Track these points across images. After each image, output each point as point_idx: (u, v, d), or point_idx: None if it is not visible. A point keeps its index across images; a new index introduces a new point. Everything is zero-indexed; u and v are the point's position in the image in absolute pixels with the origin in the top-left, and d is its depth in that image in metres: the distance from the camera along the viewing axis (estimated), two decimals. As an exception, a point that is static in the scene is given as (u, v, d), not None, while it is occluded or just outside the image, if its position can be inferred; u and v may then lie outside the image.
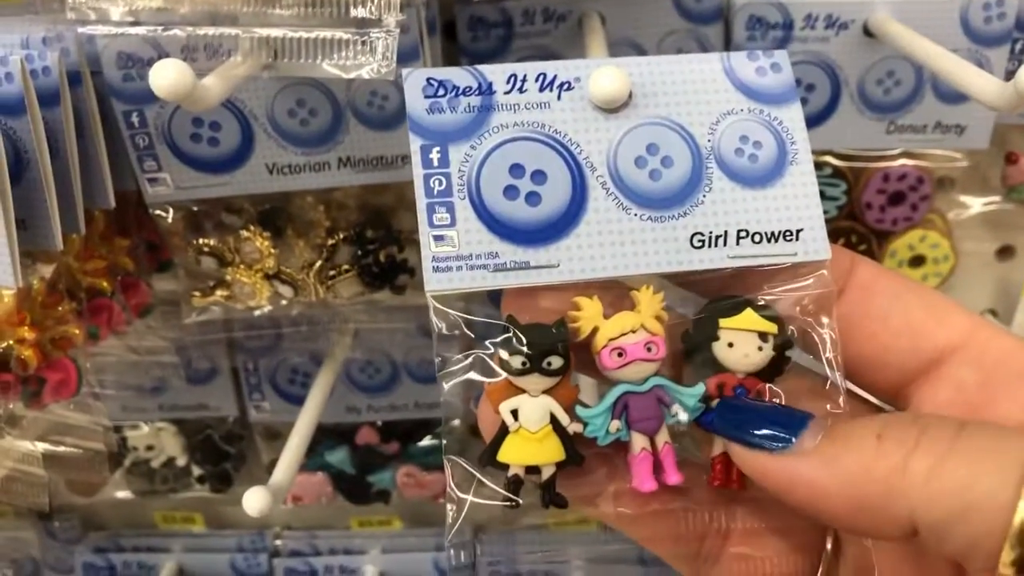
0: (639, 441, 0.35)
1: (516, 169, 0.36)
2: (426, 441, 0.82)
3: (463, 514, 0.36)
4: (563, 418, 0.35)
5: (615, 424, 0.35)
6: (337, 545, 0.91)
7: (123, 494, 0.88)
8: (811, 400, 0.35)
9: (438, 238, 0.35)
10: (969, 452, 0.27)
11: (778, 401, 0.36)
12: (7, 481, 0.53)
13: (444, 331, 0.36)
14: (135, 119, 0.51)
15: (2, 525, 0.91)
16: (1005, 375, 0.34)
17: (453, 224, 0.35)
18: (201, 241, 0.57)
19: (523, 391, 0.35)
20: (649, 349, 0.35)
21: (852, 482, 0.29)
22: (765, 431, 0.32)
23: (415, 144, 0.36)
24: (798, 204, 0.37)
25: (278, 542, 0.92)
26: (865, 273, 0.37)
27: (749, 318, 0.36)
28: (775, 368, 0.36)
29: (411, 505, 0.89)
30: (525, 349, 0.34)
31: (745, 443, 0.33)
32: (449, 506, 0.36)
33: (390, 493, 0.85)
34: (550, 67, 0.37)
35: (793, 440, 0.31)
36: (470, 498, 0.36)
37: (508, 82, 0.36)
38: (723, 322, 0.36)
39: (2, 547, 0.91)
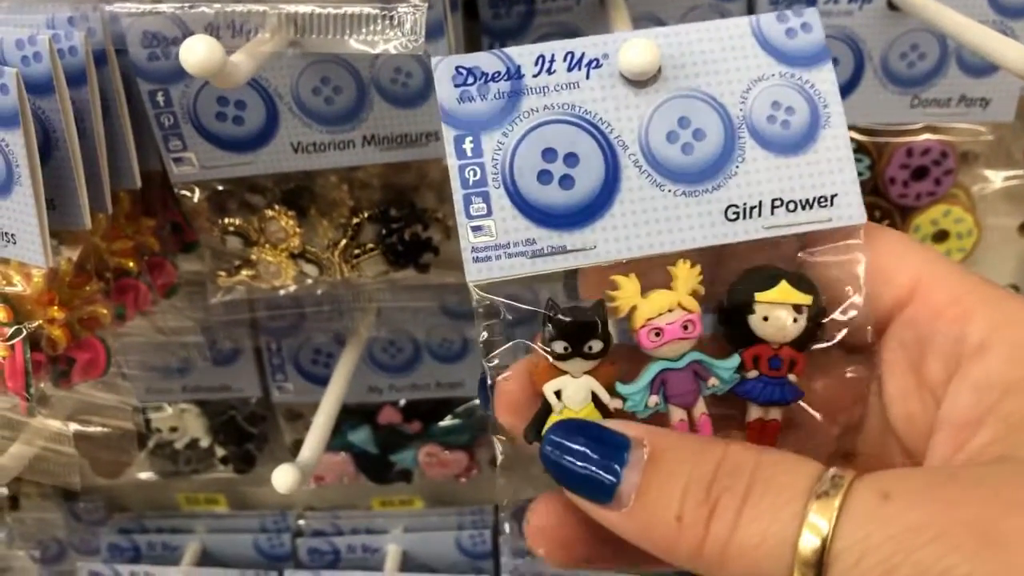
0: (677, 413, 0.36)
1: (548, 153, 0.36)
2: (448, 420, 0.83)
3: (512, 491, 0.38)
4: (604, 397, 0.36)
5: (653, 399, 0.36)
6: (359, 525, 0.92)
7: (147, 475, 0.88)
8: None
9: (476, 229, 0.36)
10: (751, 528, 0.29)
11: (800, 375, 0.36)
12: (38, 460, 0.53)
13: (486, 318, 0.36)
14: (160, 98, 0.51)
15: (28, 507, 0.92)
16: (934, 331, 0.34)
17: (490, 214, 0.36)
18: (226, 221, 0.57)
19: (565, 372, 0.36)
20: (686, 328, 0.35)
21: (666, 553, 0.31)
22: (588, 473, 0.32)
23: (448, 135, 0.36)
24: (831, 168, 0.37)
25: (301, 522, 0.93)
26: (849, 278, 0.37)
27: (784, 291, 0.36)
28: (809, 337, 0.36)
29: (433, 485, 0.89)
30: (567, 334, 0.35)
31: (569, 487, 0.33)
32: (500, 480, 0.38)
33: (412, 473, 0.85)
34: (578, 44, 0.37)
35: (613, 487, 0.32)
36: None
37: (536, 64, 0.36)
38: (759, 295, 0.36)
39: (28, 528, 0.92)
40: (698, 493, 0.31)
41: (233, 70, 0.40)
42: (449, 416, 0.83)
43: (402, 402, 0.82)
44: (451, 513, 0.91)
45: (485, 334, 0.37)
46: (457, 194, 0.36)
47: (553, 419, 0.36)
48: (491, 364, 0.37)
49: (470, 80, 0.36)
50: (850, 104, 0.59)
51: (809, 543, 0.28)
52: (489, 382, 0.37)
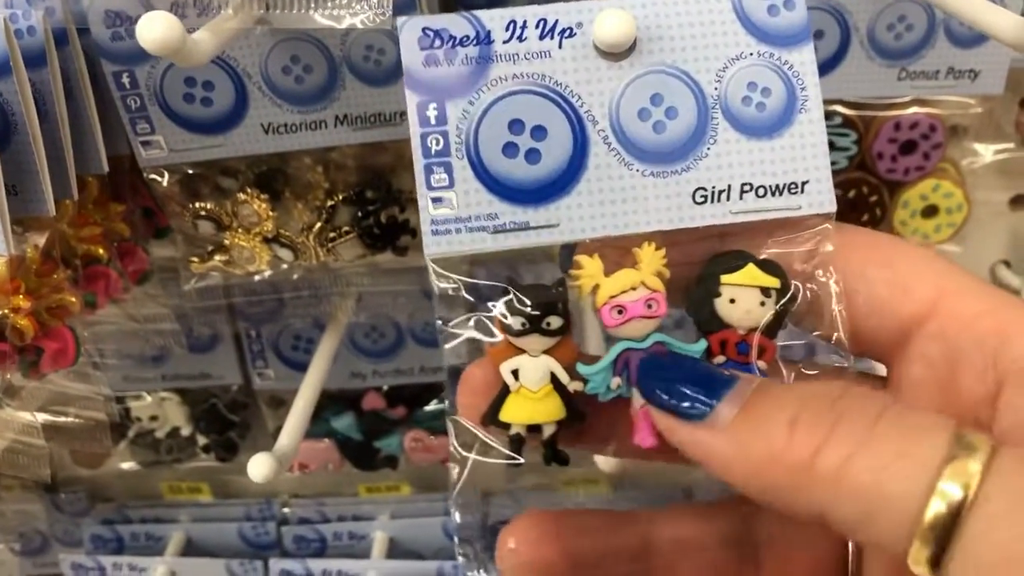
0: (639, 397, 0.35)
1: (515, 125, 0.35)
2: (433, 405, 0.82)
3: (467, 472, 0.36)
4: (563, 377, 0.35)
5: (616, 381, 0.35)
6: (345, 512, 0.91)
7: (128, 465, 0.88)
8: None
9: (436, 200, 0.34)
10: (881, 448, 0.26)
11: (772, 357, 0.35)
12: (8, 453, 0.52)
13: (444, 294, 0.35)
14: (125, 80, 0.49)
15: (9, 498, 0.91)
16: (966, 345, 0.33)
17: (452, 185, 0.34)
18: (197, 205, 0.55)
19: (523, 351, 0.35)
20: (649, 306, 0.34)
21: (760, 471, 0.28)
22: (683, 395, 0.31)
23: (411, 100, 0.35)
24: (805, 155, 0.36)
25: (286, 510, 0.92)
26: (819, 265, 0.36)
27: (751, 273, 0.35)
28: (777, 322, 0.35)
29: (419, 470, 0.88)
30: (524, 310, 0.34)
31: (661, 406, 0.31)
32: (452, 465, 0.36)
33: (398, 458, 0.85)
34: (551, 11, 0.35)
35: (710, 408, 0.30)
36: (473, 456, 0.36)
37: (507, 29, 0.35)
38: (724, 278, 0.35)
39: (9, 520, 0.91)
40: (821, 403, 0.28)
41: (194, 48, 0.38)
42: (434, 401, 0.82)
43: (386, 387, 0.82)
44: (438, 499, 0.91)
45: (444, 310, 0.36)
46: (418, 163, 0.34)
47: (511, 400, 0.35)
48: (448, 343, 0.36)
49: (437, 43, 0.35)
50: (836, 77, 0.58)
51: (951, 485, 0.25)
52: (446, 363, 0.36)
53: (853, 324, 0.35)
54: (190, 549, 0.91)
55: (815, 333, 0.36)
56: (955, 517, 0.25)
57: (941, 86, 0.59)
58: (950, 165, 0.65)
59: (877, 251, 0.35)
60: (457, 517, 0.38)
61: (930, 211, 0.65)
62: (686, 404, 0.30)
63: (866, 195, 0.64)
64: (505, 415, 0.35)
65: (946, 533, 0.25)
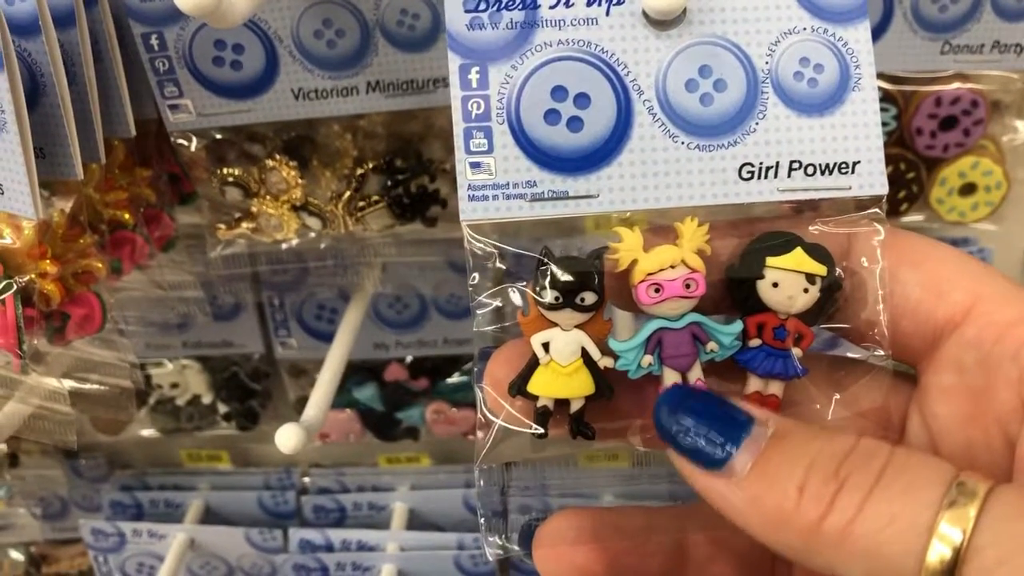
0: (671, 376, 0.35)
1: (558, 92, 0.34)
2: (455, 377, 0.81)
3: (492, 437, 0.36)
4: (594, 353, 0.34)
5: (647, 359, 0.34)
6: (365, 482, 0.91)
7: (148, 432, 0.87)
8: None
9: (475, 165, 0.34)
10: (878, 511, 0.27)
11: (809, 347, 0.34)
12: (34, 419, 0.51)
13: (478, 260, 0.35)
14: (154, 42, 0.48)
15: (30, 464, 0.91)
16: (1002, 354, 0.32)
17: (491, 150, 0.34)
18: (225, 171, 0.54)
19: (555, 324, 0.34)
20: (688, 286, 0.33)
21: (773, 528, 0.29)
22: (700, 443, 0.30)
23: (454, 63, 0.34)
24: (857, 134, 0.35)
25: (306, 479, 0.92)
26: (864, 251, 0.35)
27: (798, 258, 0.34)
28: (820, 310, 0.35)
29: (440, 442, 0.88)
30: (559, 284, 0.33)
31: (679, 451, 0.31)
32: (479, 431, 0.36)
33: (419, 430, 0.84)
34: (599, -24, 0.34)
35: (727, 456, 0.30)
36: (499, 422, 0.36)
37: (554, -7, 0.34)
38: (770, 260, 0.34)
39: (30, 485, 0.91)
40: (827, 468, 0.29)
41: (229, 8, 0.37)
42: (456, 373, 0.82)
43: (409, 359, 0.81)
44: (458, 471, 0.90)
45: (476, 277, 0.35)
46: (457, 127, 0.34)
47: (540, 372, 0.34)
48: (480, 310, 0.35)
49: (482, 6, 0.34)
50: (877, 51, 0.55)
51: (949, 533, 0.26)
52: (475, 328, 0.35)
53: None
54: (209, 517, 0.91)
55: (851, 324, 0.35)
56: (952, 570, 0.26)
57: (985, 60, 0.57)
58: (990, 142, 0.64)
59: (911, 252, 0.35)
60: (481, 483, 0.38)
61: (968, 189, 0.64)
62: (704, 452, 0.30)
63: (903, 172, 0.63)
64: (534, 387, 0.34)
65: (956, 557, 0.26)
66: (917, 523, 0.26)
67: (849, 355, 0.37)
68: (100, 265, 0.49)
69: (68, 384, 0.52)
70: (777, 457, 0.30)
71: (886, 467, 0.28)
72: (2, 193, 0.42)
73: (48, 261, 0.46)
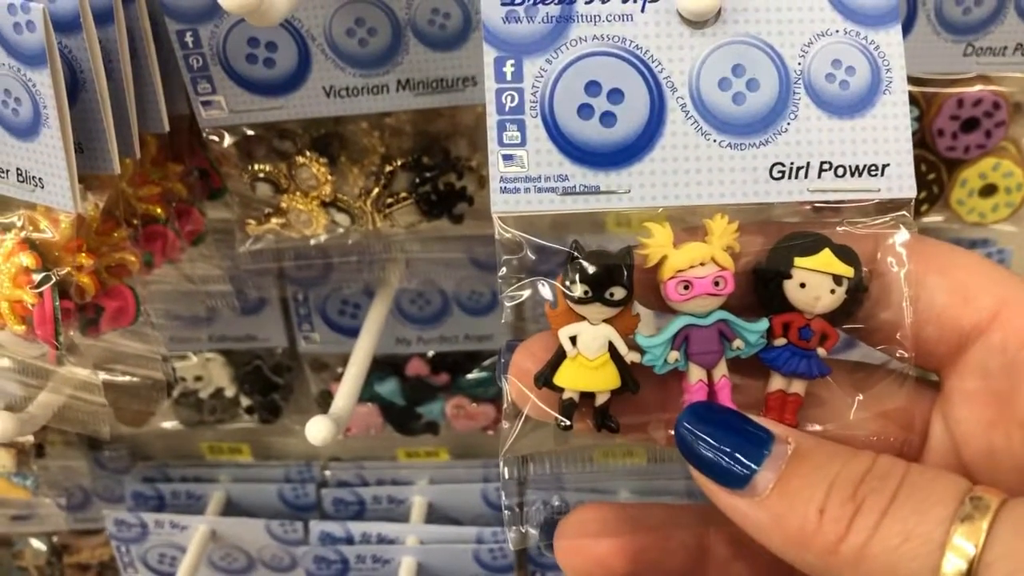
0: (696, 372, 0.35)
1: (592, 87, 0.34)
2: (476, 373, 0.82)
3: (518, 428, 0.36)
4: (622, 348, 0.35)
5: (674, 355, 0.35)
6: (385, 476, 0.91)
7: (171, 424, 0.88)
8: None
9: (507, 157, 0.34)
10: (892, 530, 0.28)
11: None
12: (67, 409, 0.52)
13: (509, 252, 0.35)
14: (189, 39, 0.49)
15: (53, 454, 0.92)
16: None
17: (523, 143, 0.34)
18: (256, 167, 0.55)
19: (583, 318, 0.34)
20: (717, 284, 0.34)
21: (794, 547, 0.30)
22: (722, 461, 0.31)
23: (489, 56, 0.34)
24: (887, 137, 0.35)
25: (326, 472, 0.93)
26: (891, 253, 0.36)
27: (826, 259, 0.34)
28: (845, 312, 0.35)
29: (459, 437, 0.89)
30: (589, 278, 0.34)
31: (701, 470, 0.32)
32: (504, 422, 0.37)
33: (439, 424, 0.85)
34: (635, -26, 0.35)
35: (749, 474, 0.31)
36: (525, 411, 0.36)
37: (590, -10, 0.35)
38: (798, 260, 0.34)
39: (54, 476, 0.92)
40: (845, 490, 0.30)
41: (270, 7, 0.38)
42: (477, 369, 0.82)
43: (430, 354, 0.82)
44: (477, 465, 0.91)
45: (505, 270, 0.35)
46: (491, 119, 0.34)
47: (567, 365, 0.35)
48: (509, 303, 0.36)
49: (519, 0, 0.34)
50: None
51: (961, 547, 0.27)
52: (503, 320, 0.36)
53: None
54: (230, 509, 0.92)
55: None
56: (975, 559, 0.26)
57: (1008, 63, 0.58)
58: (1011, 144, 0.64)
59: (937, 259, 0.35)
60: (506, 473, 0.38)
61: (988, 190, 0.64)
62: (726, 471, 0.31)
63: (924, 173, 0.63)
64: (560, 380, 0.35)
65: (968, 573, 0.27)
66: (931, 540, 0.27)
67: (873, 357, 0.37)
68: (134, 258, 0.50)
69: (101, 375, 0.53)
70: (798, 478, 0.30)
71: (901, 485, 0.29)
72: (42, 187, 0.43)
73: (84, 254, 0.47)
